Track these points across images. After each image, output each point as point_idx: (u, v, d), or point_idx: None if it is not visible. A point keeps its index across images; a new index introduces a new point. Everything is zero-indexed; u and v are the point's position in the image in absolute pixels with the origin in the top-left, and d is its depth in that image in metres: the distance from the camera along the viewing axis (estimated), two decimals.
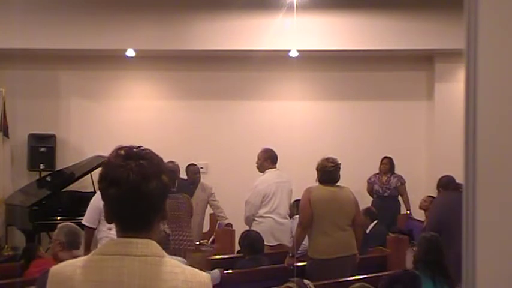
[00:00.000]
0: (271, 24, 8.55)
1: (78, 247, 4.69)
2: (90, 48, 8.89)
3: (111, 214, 1.83)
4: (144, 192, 1.76)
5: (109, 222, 1.85)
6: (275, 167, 7.01)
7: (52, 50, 8.96)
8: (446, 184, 6.37)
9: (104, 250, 1.82)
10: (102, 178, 1.81)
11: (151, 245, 1.79)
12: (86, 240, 5.74)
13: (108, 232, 5.63)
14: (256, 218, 6.84)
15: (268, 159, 7.00)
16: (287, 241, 6.87)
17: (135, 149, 1.82)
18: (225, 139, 9.56)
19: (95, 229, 5.80)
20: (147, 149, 1.85)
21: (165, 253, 1.83)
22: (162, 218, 1.86)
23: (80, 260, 1.82)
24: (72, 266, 1.81)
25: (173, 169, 7.91)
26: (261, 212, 6.83)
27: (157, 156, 1.84)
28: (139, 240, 1.78)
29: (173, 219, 6.57)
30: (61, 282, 1.79)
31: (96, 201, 5.76)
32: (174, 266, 1.81)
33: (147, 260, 1.77)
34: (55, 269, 1.84)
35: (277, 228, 6.83)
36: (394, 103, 9.70)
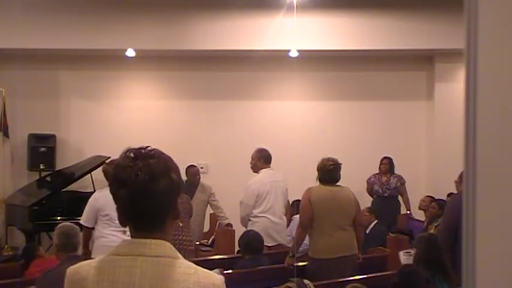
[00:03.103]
0: (271, 24, 8.55)
1: (74, 248, 4.60)
2: (90, 48, 8.90)
3: (123, 216, 1.84)
4: (153, 191, 1.77)
5: (123, 225, 1.86)
6: (269, 167, 6.93)
7: (52, 50, 8.96)
8: None
9: (117, 251, 1.83)
10: (112, 181, 1.83)
11: (164, 246, 1.81)
12: (85, 239, 5.72)
13: (101, 232, 5.62)
14: (251, 218, 6.78)
15: (261, 159, 6.93)
16: (283, 241, 6.84)
17: (143, 150, 1.84)
18: (225, 139, 9.56)
19: (92, 229, 5.78)
20: (154, 148, 1.87)
21: (178, 254, 1.83)
22: (175, 217, 1.86)
23: (95, 261, 1.85)
24: (88, 266, 1.83)
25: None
26: (255, 211, 6.77)
27: (165, 155, 1.86)
28: (153, 241, 1.79)
29: None
30: (75, 282, 1.82)
31: (93, 202, 5.75)
32: (187, 267, 1.81)
33: (160, 261, 1.78)
34: (71, 269, 1.87)
35: (272, 228, 6.76)
36: (394, 103, 9.70)
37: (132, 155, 1.82)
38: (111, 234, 5.41)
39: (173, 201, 1.83)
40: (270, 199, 6.80)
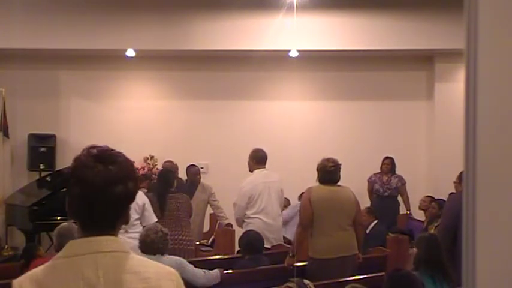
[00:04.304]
0: (271, 24, 8.56)
1: None
2: (90, 48, 8.90)
3: (72, 211, 1.84)
4: (107, 197, 1.77)
5: (71, 218, 1.87)
6: (263, 167, 6.84)
7: (52, 50, 8.96)
8: None
9: (72, 251, 1.79)
10: (69, 174, 1.82)
11: (117, 242, 1.82)
12: None
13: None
14: (244, 220, 6.73)
15: (254, 160, 6.85)
16: (277, 242, 6.79)
17: (107, 152, 1.82)
18: (225, 139, 9.56)
19: None
20: (119, 152, 1.85)
21: (130, 250, 1.86)
22: (124, 222, 1.87)
23: (49, 265, 1.80)
24: (40, 272, 1.78)
25: (171, 169, 7.90)
26: (249, 213, 6.71)
27: (128, 161, 1.85)
28: (106, 237, 1.80)
29: (173, 219, 6.57)
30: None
31: None
32: (142, 259, 1.86)
33: (117, 255, 1.79)
34: (26, 276, 1.81)
35: (266, 229, 6.69)
36: (394, 103, 9.70)
37: (95, 152, 1.81)
38: None
39: (125, 208, 1.83)
40: (263, 200, 6.73)
